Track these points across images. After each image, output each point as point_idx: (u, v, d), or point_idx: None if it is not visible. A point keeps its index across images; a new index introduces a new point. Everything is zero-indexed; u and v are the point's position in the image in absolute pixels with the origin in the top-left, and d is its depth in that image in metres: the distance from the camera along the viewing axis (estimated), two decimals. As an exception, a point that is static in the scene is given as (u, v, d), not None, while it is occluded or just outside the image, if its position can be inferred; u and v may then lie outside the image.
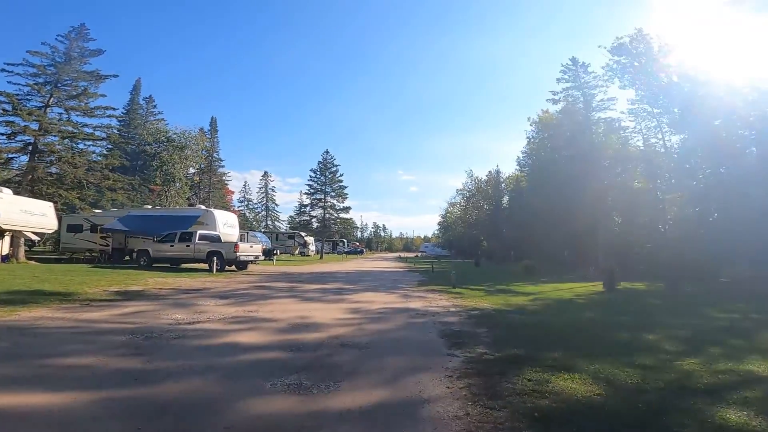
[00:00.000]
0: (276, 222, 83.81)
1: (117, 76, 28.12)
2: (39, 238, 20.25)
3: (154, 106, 52.31)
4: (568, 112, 29.84)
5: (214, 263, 18.51)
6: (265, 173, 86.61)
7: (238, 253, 19.39)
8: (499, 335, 6.53)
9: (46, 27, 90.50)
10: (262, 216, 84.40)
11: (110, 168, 28.09)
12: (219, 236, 21.47)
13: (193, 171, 53.71)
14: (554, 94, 29.49)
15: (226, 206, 57.77)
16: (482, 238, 58.10)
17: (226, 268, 20.06)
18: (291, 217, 52.80)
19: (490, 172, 58.08)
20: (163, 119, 50.91)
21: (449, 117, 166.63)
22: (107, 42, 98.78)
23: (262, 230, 59.75)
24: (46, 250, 32.74)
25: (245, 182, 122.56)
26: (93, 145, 26.49)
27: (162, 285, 12.61)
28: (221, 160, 60.79)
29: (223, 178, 62.31)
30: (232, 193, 71.52)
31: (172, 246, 20.37)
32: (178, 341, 5.62)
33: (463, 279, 15.69)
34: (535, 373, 4.44)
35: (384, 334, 6.50)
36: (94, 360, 4.58)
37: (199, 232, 20.49)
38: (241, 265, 20.93)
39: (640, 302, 12.25)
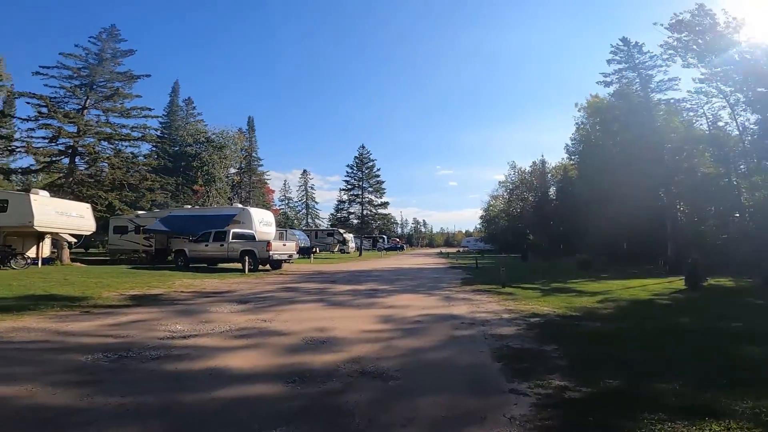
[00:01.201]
0: (316, 220, 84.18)
1: (149, 75, 28.15)
2: (76, 240, 20.42)
3: (194, 108, 53.42)
4: (622, 94, 26.99)
5: (247, 263, 17.76)
6: (304, 171, 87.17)
7: (270, 252, 18.56)
8: (577, 355, 4.86)
9: (81, 30, 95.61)
10: (302, 214, 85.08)
11: (149, 169, 28.31)
12: (253, 235, 20.81)
13: (233, 171, 54.61)
14: (605, 77, 26.87)
15: (266, 205, 58.27)
16: (528, 231, 54.99)
17: (262, 267, 19.44)
18: (331, 214, 52.47)
19: (534, 162, 54.91)
20: (202, 120, 51.88)
21: (484, 109, 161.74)
22: (143, 43, 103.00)
23: (303, 228, 59.84)
24: (101, 251, 33.97)
25: (285, 181, 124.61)
26: (130, 146, 26.62)
27: (186, 287, 11.82)
28: (260, 159, 61.37)
29: (263, 177, 62.97)
30: (273, 192, 72.40)
31: (206, 246, 19.92)
32: (151, 364, 4.44)
33: (511, 276, 13.85)
34: (661, 423, 2.82)
35: (419, 354, 4.99)
36: (18, 390, 3.49)
37: (232, 230, 19.90)
38: (276, 265, 20.17)
39: (738, 302, 9.97)
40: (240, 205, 27.98)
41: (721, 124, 23.94)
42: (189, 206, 30.72)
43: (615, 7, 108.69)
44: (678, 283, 14.54)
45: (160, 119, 49.95)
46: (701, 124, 25.16)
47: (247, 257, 18.03)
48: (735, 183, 24.56)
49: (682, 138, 24.57)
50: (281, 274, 18.11)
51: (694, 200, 26.78)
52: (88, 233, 20.57)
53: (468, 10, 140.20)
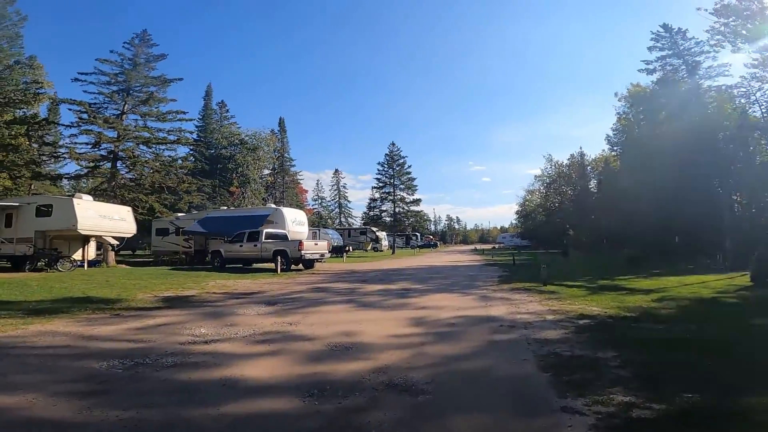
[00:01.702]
0: (349, 218, 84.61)
1: (182, 79, 28.84)
2: (118, 243, 21.17)
3: (227, 111, 54.54)
4: (667, 82, 25.28)
5: (279, 263, 17.74)
6: (336, 171, 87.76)
7: (302, 252, 18.48)
8: (641, 363, 4.20)
9: (110, 36, 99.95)
10: (335, 213, 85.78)
11: (187, 171, 29.13)
12: (286, 234, 20.83)
13: (267, 172, 55.64)
14: (647, 64, 25.51)
15: (300, 205, 59.04)
16: (568, 225, 52.70)
17: (294, 267, 19.43)
18: (364, 213, 52.52)
19: (572, 155, 52.61)
20: (235, 122, 53.02)
21: (516, 104, 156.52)
22: (175, 47, 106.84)
23: (336, 227, 60.17)
24: (146, 253, 35.46)
25: (318, 181, 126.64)
26: (167, 149, 27.42)
27: (218, 288, 11.81)
28: (292, 160, 62.25)
29: (296, 177, 63.88)
30: (306, 192, 73.36)
31: (241, 246, 20.12)
32: (165, 372, 4.18)
33: (553, 273, 12.95)
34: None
35: (454, 363, 4.47)
36: (18, 401, 3.30)
37: (265, 230, 19.99)
38: (308, 264, 20.11)
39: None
40: (273, 206, 28.28)
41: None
42: (225, 207, 31.39)
43: None
44: (741, 279, 13.20)
45: (195, 123, 51.56)
46: (755, 111, 23.34)
47: (279, 257, 18.02)
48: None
49: (737, 125, 22.62)
50: (313, 273, 17.98)
51: (753, 190, 24.59)
52: (130, 236, 21.26)
53: (495, 1, 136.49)
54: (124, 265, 22.20)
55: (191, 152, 46.40)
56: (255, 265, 20.49)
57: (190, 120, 29.43)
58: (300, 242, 18.68)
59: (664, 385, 3.54)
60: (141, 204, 24.89)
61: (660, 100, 25.87)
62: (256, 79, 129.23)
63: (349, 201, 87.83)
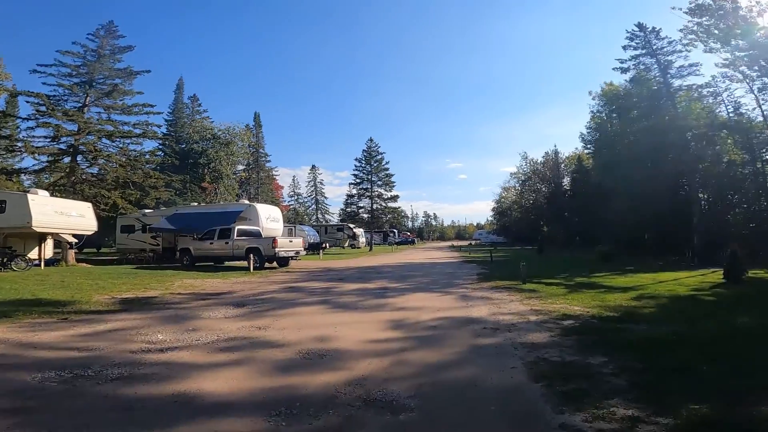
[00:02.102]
0: (326, 215, 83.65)
1: (149, 71, 27.70)
2: (78, 240, 19.92)
3: (199, 105, 52.59)
4: (640, 81, 25.76)
5: (251, 261, 17.05)
6: (313, 167, 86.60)
7: (276, 249, 17.84)
8: (636, 369, 3.95)
9: (80, 28, 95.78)
10: (312, 210, 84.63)
11: (154, 166, 27.87)
12: (259, 231, 20.10)
13: (241, 167, 54.13)
14: (621, 63, 25.74)
15: (275, 201, 57.83)
16: (542, 222, 53.65)
17: (268, 265, 18.78)
18: (341, 209, 51.74)
19: (547, 153, 53.58)
20: (208, 117, 51.24)
21: (493, 102, 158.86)
22: (146, 40, 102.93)
23: (312, 224, 59.22)
24: (113, 251, 33.77)
25: (294, 177, 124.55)
26: (132, 143, 26.09)
27: (184, 289, 11.10)
28: (268, 155, 60.76)
29: (272, 173, 62.47)
30: (282, 188, 72.00)
31: (212, 243, 19.32)
32: (107, 387, 3.65)
33: (530, 270, 12.83)
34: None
35: (437, 373, 4.09)
36: None
37: (237, 227, 19.21)
38: (282, 262, 19.50)
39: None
40: (246, 202, 27.35)
41: (744, 110, 22.96)
42: (195, 203, 30.18)
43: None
44: (713, 275, 13.47)
45: (165, 117, 49.60)
46: (723, 111, 24.15)
47: (252, 255, 17.33)
48: (760, 170, 23.23)
49: (705, 124, 23.28)
50: (288, 271, 17.38)
51: (719, 188, 25.46)
52: (90, 233, 20.06)
53: (480, 2, 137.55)
54: (85, 264, 20.94)
55: (160, 147, 44.64)
56: (227, 264, 19.74)
57: (158, 113, 28.05)
58: (274, 239, 18.03)
59: (665, 394, 3.27)
60: (103, 200, 23.56)
61: (632, 99, 26.35)
62: (233, 75, 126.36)
63: (326, 197, 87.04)
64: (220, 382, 3.82)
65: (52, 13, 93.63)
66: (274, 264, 19.48)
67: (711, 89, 22.83)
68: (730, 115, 23.54)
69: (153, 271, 16.75)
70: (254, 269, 16.97)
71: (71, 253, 21.24)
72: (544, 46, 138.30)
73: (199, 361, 4.52)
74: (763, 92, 19.53)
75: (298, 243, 20.08)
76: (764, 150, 23.46)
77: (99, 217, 21.66)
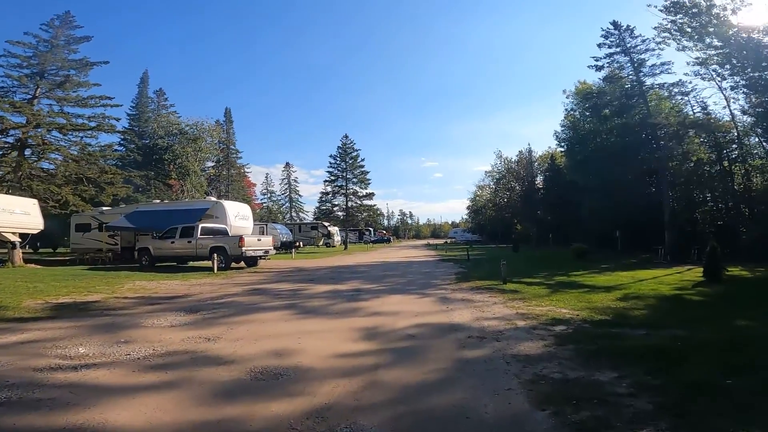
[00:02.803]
0: (300, 213, 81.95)
1: (107, 62, 26.29)
2: (21, 240, 18.18)
3: (166, 99, 50.13)
4: (613, 79, 25.85)
5: (215, 261, 15.90)
6: (287, 164, 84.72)
7: (243, 248, 16.73)
8: (655, 387, 3.33)
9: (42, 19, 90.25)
10: (285, 208, 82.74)
11: (112, 161, 26.20)
12: (226, 230, 18.87)
13: (210, 164, 52.03)
14: (596, 60, 25.66)
15: (247, 199, 55.98)
16: (516, 221, 54.12)
17: (236, 265, 17.66)
18: (316, 208, 50.37)
19: (521, 151, 53.79)
20: (175, 112, 48.91)
21: (468, 101, 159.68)
22: (115, 35, 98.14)
23: (286, 222, 57.69)
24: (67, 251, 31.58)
25: (267, 174, 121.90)
26: (87, 137, 24.34)
27: (134, 292, 9.97)
28: (239, 152, 58.83)
29: (243, 170, 60.49)
30: (254, 185, 69.91)
31: (173, 243, 18.01)
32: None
33: (508, 269, 12.33)
34: None
35: (419, 399, 3.33)
36: None
37: (201, 225, 17.94)
38: (250, 262, 18.40)
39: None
40: (214, 199, 25.97)
41: (712, 109, 23.37)
42: (158, 201, 28.46)
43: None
44: (690, 273, 13.39)
45: (128, 111, 47.12)
46: (692, 110, 24.48)
47: (216, 254, 16.18)
48: (727, 168, 23.77)
49: (677, 123, 23.57)
50: (255, 272, 16.33)
51: (688, 187, 25.97)
52: (35, 231, 18.37)
53: (454, 5, 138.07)
54: (33, 265, 19.15)
55: (121, 141, 42.29)
56: (191, 264, 18.48)
57: (117, 106, 26.37)
58: (241, 238, 16.90)
59: (702, 421, 2.64)
60: (53, 196, 21.74)
61: (605, 97, 26.42)
62: (206, 72, 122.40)
63: (300, 195, 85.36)
64: (136, 413, 2.95)
65: (8, 3, 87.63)
66: (242, 264, 18.38)
67: (681, 88, 23.03)
68: (698, 114, 23.92)
69: (106, 272, 15.41)
70: (219, 270, 15.84)
71: (17, 254, 19.36)
72: (519, 46, 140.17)
73: (118, 382, 3.61)
74: (736, 90, 19.69)
75: (267, 242, 18.99)
76: (730, 149, 24.03)
77: (49, 215, 19.96)
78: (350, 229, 50.67)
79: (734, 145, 23.62)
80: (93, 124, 24.37)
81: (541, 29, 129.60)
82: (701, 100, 23.70)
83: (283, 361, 4.33)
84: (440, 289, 10.00)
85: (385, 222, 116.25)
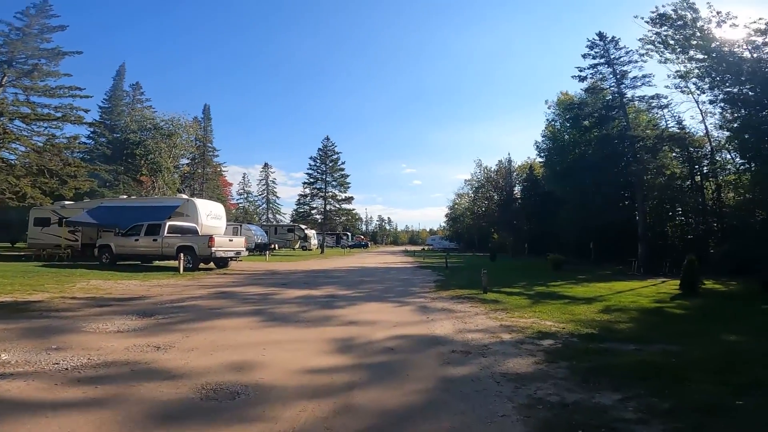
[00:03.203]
0: (277, 215, 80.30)
1: (80, 53, 25.36)
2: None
3: (142, 93, 48.32)
4: (595, 90, 26.15)
5: (181, 261, 15.01)
6: (266, 165, 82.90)
7: (213, 249, 15.87)
8: (661, 411, 2.95)
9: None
10: (262, 209, 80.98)
11: (78, 154, 24.91)
12: (195, 228, 17.97)
13: (185, 161, 50.37)
14: (580, 71, 25.77)
15: (222, 198, 54.42)
16: (493, 230, 54.53)
17: (205, 266, 16.80)
18: (294, 210, 49.17)
19: (500, 161, 54.28)
20: (150, 106, 47.15)
21: (450, 109, 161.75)
22: (95, 27, 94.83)
23: (262, 224, 56.33)
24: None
25: (244, 174, 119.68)
26: (52, 127, 22.99)
27: (85, 292, 9.10)
28: (216, 150, 57.26)
29: (220, 168, 58.85)
30: (230, 185, 68.20)
31: (137, 240, 17.02)
32: None
33: (487, 277, 12.03)
34: None
35: (399, 427, 2.83)
36: None
37: (169, 223, 17.01)
38: (221, 263, 17.54)
39: (759, 311, 8.61)
40: (185, 196, 24.85)
41: (689, 123, 23.89)
42: (124, 196, 27.09)
43: (589, 3, 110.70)
44: (665, 286, 13.45)
45: (100, 103, 45.15)
46: (669, 123, 24.94)
47: (183, 254, 15.29)
48: (699, 183, 24.38)
49: (655, 136, 24.02)
50: (225, 274, 15.51)
51: (661, 200, 26.50)
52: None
53: (438, 9, 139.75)
54: (-19, 261, 17.75)
55: (91, 134, 40.46)
56: (157, 264, 17.48)
57: (87, 97, 25.15)
58: (211, 238, 16.05)
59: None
60: (10, 188, 20.31)
61: (586, 108, 26.65)
62: (187, 69, 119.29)
63: (278, 197, 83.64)
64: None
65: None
66: (212, 265, 17.51)
67: (659, 101, 23.34)
68: (673, 128, 24.36)
69: (62, 269, 14.35)
70: (185, 270, 14.97)
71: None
72: (502, 56, 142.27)
73: (33, 397, 2.97)
74: (714, 104, 20.06)
75: (239, 242, 18.16)
76: (703, 164, 24.64)
77: (7, 208, 18.63)
78: (328, 233, 49.84)
79: (707, 161, 24.19)
80: (59, 115, 23.11)
81: (524, 39, 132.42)
82: (677, 114, 24.28)
83: (243, 376, 3.76)
84: (419, 298, 9.53)
85: (364, 227, 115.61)
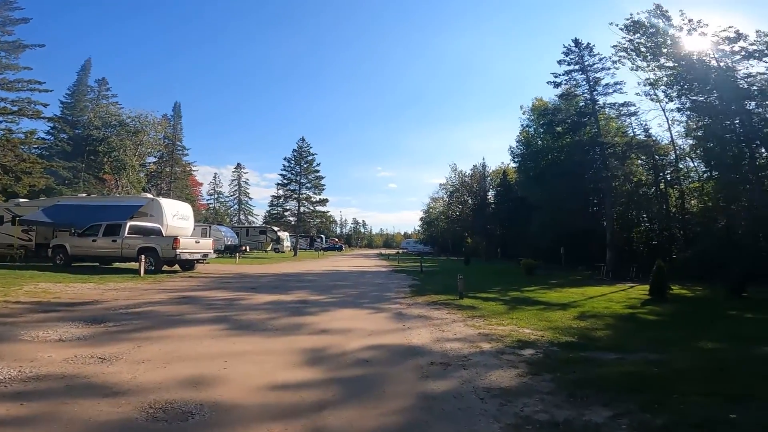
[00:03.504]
0: (249, 217, 78.37)
1: (43, 45, 24.08)
2: None
3: (108, 89, 45.62)
4: (569, 96, 26.63)
5: (142, 263, 14.16)
6: (238, 165, 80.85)
7: (178, 250, 15.06)
8: (654, 429, 2.72)
9: None
10: (234, 210, 78.83)
11: (37, 150, 23.52)
12: (159, 229, 17.05)
13: (153, 160, 48.43)
14: (555, 77, 26.17)
15: (191, 198, 52.59)
16: (467, 234, 55.08)
17: (169, 268, 15.95)
18: (267, 212, 47.75)
19: (475, 165, 55.01)
20: (117, 103, 44.91)
21: (426, 113, 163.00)
22: (66, 25, 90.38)
23: (233, 225, 54.75)
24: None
25: (215, 174, 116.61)
26: (7, 121, 21.59)
27: (31, 296, 8.30)
28: (186, 149, 55.30)
29: (189, 168, 56.84)
30: (200, 185, 66.07)
31: (94, 241, 15.98)
32: None
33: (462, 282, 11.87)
34: None
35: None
36: None
37: (130, 223, 16.06)
38: (187, 265, 16.69)
39: (724, 316, 8.77)
40: (150, 195, 23.71)
41: (655, 131, 24.63)
42: (83, 194, 25.63)
43: (565, 10, 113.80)
44: (633, 291, 13.72)
45: (62, 99, 42.81)
46: (634, 131, 25.65)
47: (144, 256, 14.44)
48: (663, 190, 25.22)
49: (625, 143, 24.67)
50: (191, 277, 14.73)
51: (627, 207, 27.24)
52: None
53: (415, 14, 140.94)
54: None
55: (51, 130, 38.28)
56: (117, 265, 16.49)
57: (47, 91, 23.84)
58: (175, 239, 15.23)
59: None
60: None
61: (559, 114, 27.03)
62: (159, 66, 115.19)
63: (251, 198, 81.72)
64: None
65: None
66: (177, 268, 16.66)
67: (627, 108, 23.89)
68: (640, 135, 25.04)
69: (12, 270, 13.29)
70: (146, 273, 14.13)
71: None
72: (478, 61, 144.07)
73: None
74: (682, 112, 20.66)
75: (206, 244, 17.36)
76: (667, 172, 25.51)
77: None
78: (301, 235, 48.93)
79: (671, 168, 25.03)
80: (15, 109, 21.77)
81: (499, 44, 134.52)
82: (644, 122, 25.03)
83: (199, 393, 3.33)
84: (395, 303, 9.21)
85: (338, 230, 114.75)
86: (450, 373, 4.13)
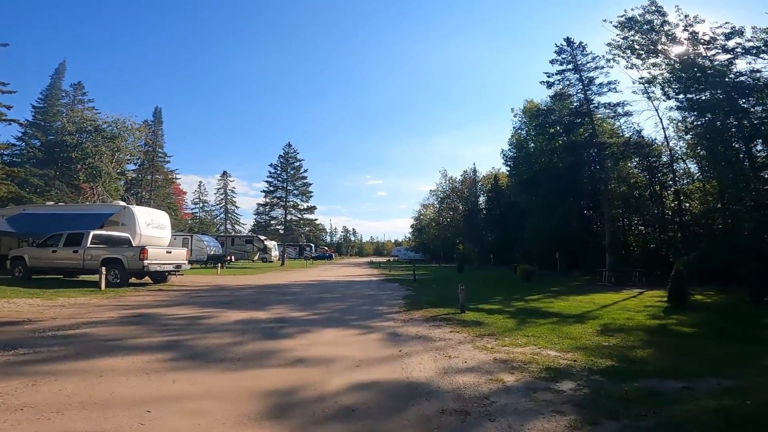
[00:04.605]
0: (236, 226, 76.37)
1: (7, 45, 22.17)
2: None
3: (84, 93, 43.55)
4: (562, 96, 25.81)
5: (103, 275, 12.68)
6: (224, 173, 78.88)
7: (146, 262, 13.59)
8: None
9: None
10: (220, 219, 76.80)
11: (9, 158, 21.88)
12: (128, 239, 15.58)
13: (132, 167, 46.59)
14: (548, 77, 25.32)
15: (174, 207, 50.74)
16: (458, 240, 54.09)
17: (138, 280, 14.52)
18: (255, 220, 45.99)
19: (465, 171, 54.24)
20: (93, 108, 42.96)
21: (414, 121, 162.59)
22: (46, 29, 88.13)
23: (220, 234, 52.91)
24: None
25: (200, 183, 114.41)
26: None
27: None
28: (168, 156, 53.40)
29: (172, 176, 54.90)
30: (184, 193, 64.04)
31: (54, 252, 14.47)
32: None
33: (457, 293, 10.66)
34: None
35: None
36: None
37: (93, 232, 14.59)
38: (158, 277, 15.24)
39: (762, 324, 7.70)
40: (121, 203, 22.17)
41: (649, 132, 23.98)
42: (51, 203, 23.95)
43: (554, 14, 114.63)
44: (646, 297, 12.60)
45: (34, 103, 40.82)
46: (631, 131, 24.93)
47: (105, 268, 12.97)
48: (658, 192, 24.49)
49: (622, 144, 23.88)
50: (160, 290, 13.29)
51: (624, 209, 26.47)
52: None
53: (402, 23, 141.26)
54: None
55: (21, 135, 36.45)
56: (83, 278, 15.00)
57: (11, 93, 22.19)
58: (143, 249, 13.75)
59: None
60: None
61: (553, 115, 26.23)
62: (146, 72, 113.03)
63: (237, 207, 79.67)
64: None
65: None
66: (148, 280, 15.19)
67: (623, 108, 23.15)
68: (634, 136, 24.26)
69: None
70: (111, 286, 12.67)
71: None
72: (466, 67, 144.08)
73: None
74: (680, 110, 19.92)
75: (179, 254, 15.87)
76: (662, 173, 24.78)
77: None
78: (290, 244, 47.36)
79: (666, 169, 24.32)
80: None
81: (489, 52, 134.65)
82: (636, 123, 24.39)
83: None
84: (388, 320, 7.89)
85: (328, 238, 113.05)
86: (471, 428, 2.87)
